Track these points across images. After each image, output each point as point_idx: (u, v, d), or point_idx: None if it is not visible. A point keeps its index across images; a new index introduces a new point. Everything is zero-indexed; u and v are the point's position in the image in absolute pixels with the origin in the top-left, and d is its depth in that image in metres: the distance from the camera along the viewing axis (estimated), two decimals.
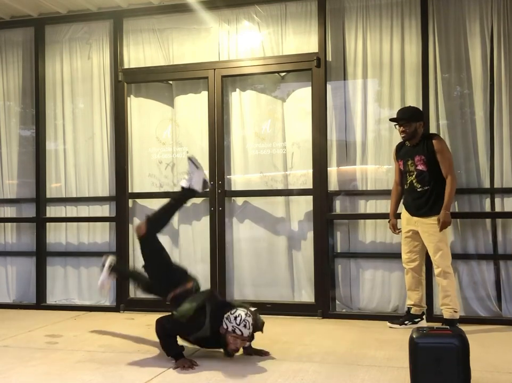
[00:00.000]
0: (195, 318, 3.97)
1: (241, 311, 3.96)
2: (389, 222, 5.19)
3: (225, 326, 3.93)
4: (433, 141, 4.88)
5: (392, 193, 5.22)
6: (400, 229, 5.12)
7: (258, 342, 4.62)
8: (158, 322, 4.08)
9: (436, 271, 4.88)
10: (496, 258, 5.36)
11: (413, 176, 4.96)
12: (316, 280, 5.63)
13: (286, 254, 5.89)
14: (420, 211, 4.92)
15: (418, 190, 4.93)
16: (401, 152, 5.10)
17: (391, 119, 5.07)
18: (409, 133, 4.93)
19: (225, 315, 3.96)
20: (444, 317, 4.86)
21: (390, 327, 5.08)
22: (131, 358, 4.23)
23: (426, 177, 4.89)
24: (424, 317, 5.07)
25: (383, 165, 5.63)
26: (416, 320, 5.03)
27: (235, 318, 3.91)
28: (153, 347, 4.52)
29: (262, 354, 4.24)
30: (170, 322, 4.04)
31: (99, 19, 6.33)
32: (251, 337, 4.13)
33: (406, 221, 5.04)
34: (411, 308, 5.07)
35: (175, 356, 4.03)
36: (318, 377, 3.72)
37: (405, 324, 5.02)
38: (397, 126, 5.02)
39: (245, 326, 3.90)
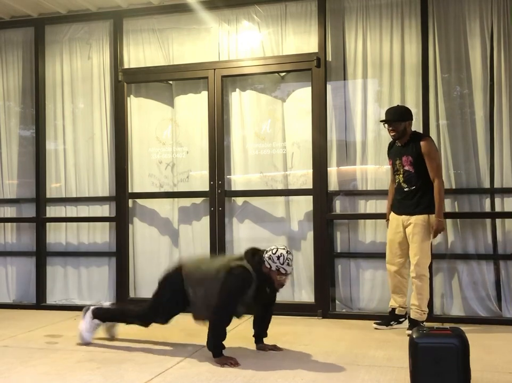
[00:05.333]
0: (242, 275, 4.01)
1: (282, 250, 4.04)
2: (387, 221, 5.16)
3: (268, 266, 4.00)
4: (421, 142, 4.85)
5: (389, 192, 5.20)
6: None
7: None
8: (217, 313, 4.02)
9: (412, 272, 4.82)
10: (496, 258, 5.36)
11: (401, 175, 4.96)
12: (316, 280, 5.63)
13: None
14: (405, 210, 4.91)
15: (405, 189, 4.93)
16: (391, 151, 5.11)
17: (382, 121, 5.09)
18: (398, 133, 4.93)
19: (266, 255, 4.02)
20: (411, 316, 4.85)
21: (376, 329, 5.05)
22: (131, 358, 4.24)
23: (413, 177, 4.88)
24: (407, 316, 5.03)
25: (383, 165, 5.62)
26: (401, 320, 5.04)
27: (278, 257, 3.99)
28: (153, 347, 4.52)
29: (276, 349, 4.33)
30: (226, 299, 4.00)
31: (99, 19, 6.33)
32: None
33: (394, 220, 5.01)
34: (395, 308, 5.05)
35: (221, 352, 4.01)
36: (318, 377, 3.72)
37: (391, 325, 5.04)
38: (386, 126, 5.02)
39: (288, 264, 4.01)
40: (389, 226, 5.09)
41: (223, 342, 4.03)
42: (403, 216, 4.93)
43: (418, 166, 4.85)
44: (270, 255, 4.02)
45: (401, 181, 4.97)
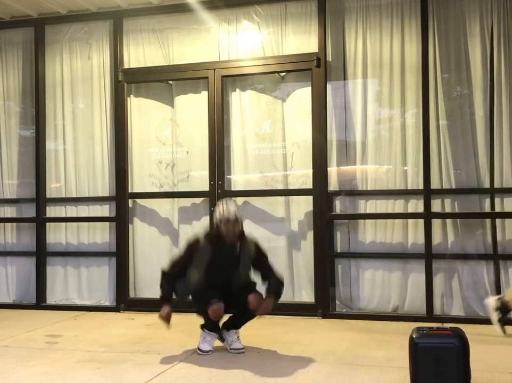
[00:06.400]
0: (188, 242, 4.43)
1: (218, 206, 4.40)
2: None
3: (216, 225, 4.30)
4: None
5: None
6: None
7: (259, 341, 4.62)
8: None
9: None
10: (496, 258, 5.36)
11: None
12: (316, 280, 5.63)
13: (286, 254, 5.89)
14: None
15: None
16: None
17: None
18: None
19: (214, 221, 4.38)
20: None
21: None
22: (131, 358, 4.23)
23: None
24: None
25: (383, 165, 5.63)
26: None
27: (218, 211, 4.30)
28: (153, 347, 4.52)
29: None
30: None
31: (99, 19, 6.33)
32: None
33: None
34: None
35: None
36: (318, 377, 3.72)
37: None
38: None
39: (227, 209, 4.28)
40: None
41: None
42: None
43: None
44: (213, 213, 4.42)
45: None
